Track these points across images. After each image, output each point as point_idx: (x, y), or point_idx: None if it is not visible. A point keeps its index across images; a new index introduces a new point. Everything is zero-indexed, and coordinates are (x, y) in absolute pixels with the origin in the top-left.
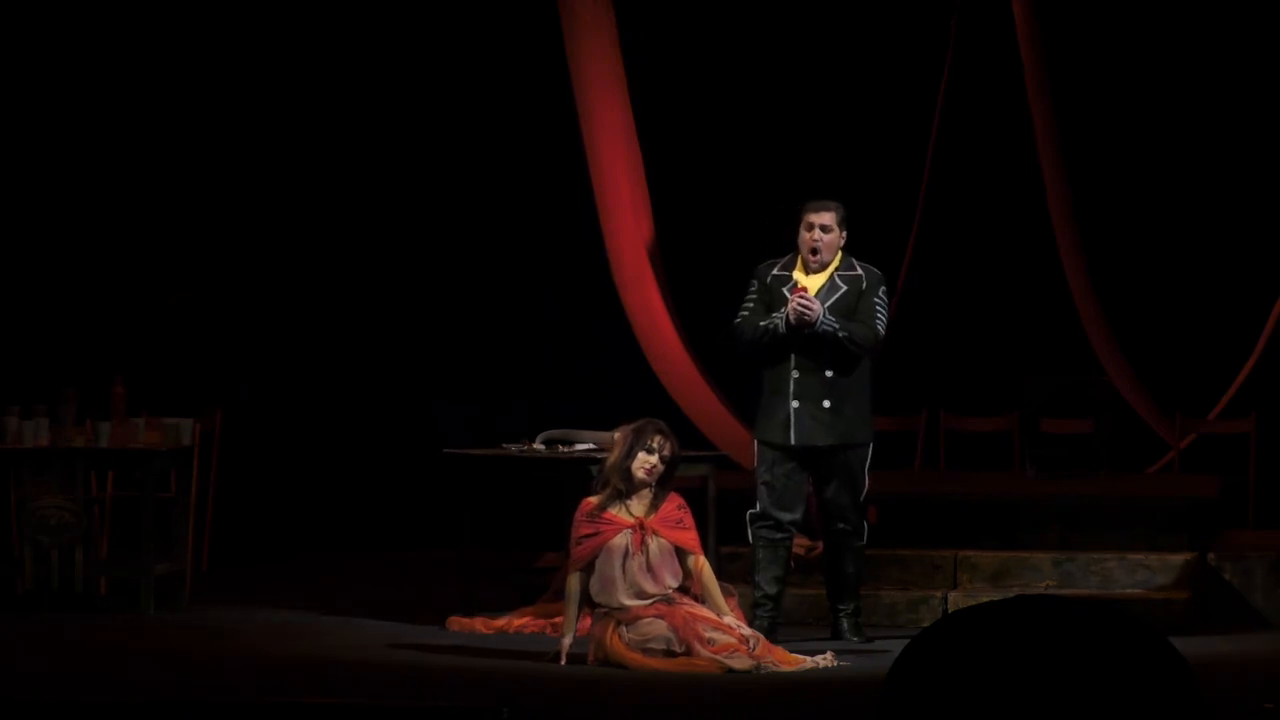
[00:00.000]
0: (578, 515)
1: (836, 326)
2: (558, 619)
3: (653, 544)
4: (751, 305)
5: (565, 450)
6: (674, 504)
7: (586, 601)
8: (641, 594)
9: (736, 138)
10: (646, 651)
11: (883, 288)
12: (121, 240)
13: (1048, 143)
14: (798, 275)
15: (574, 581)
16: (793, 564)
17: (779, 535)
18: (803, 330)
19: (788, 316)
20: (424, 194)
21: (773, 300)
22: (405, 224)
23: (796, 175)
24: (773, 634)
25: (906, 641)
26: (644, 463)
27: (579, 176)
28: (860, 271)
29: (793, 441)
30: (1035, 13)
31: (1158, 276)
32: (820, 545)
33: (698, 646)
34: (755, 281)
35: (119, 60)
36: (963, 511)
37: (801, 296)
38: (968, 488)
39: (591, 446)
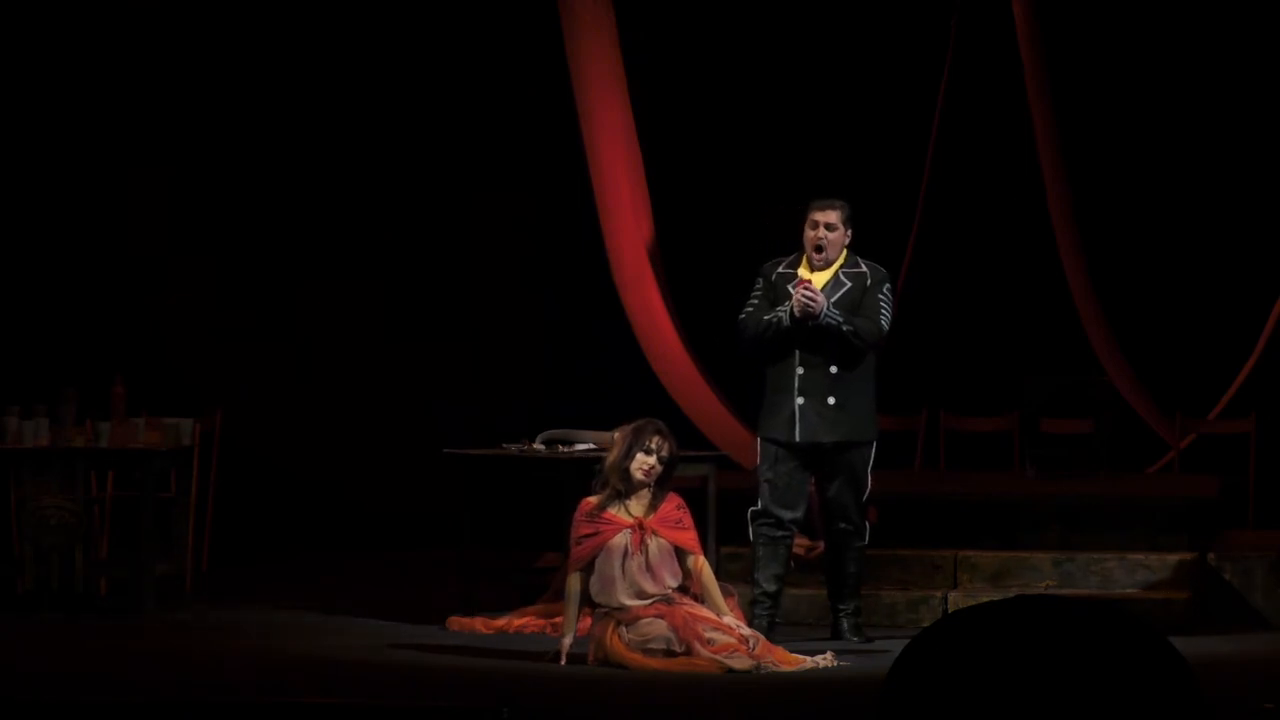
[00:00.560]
0: (577, 515)
1: (841, 319)
2: (558, 619)
3: (652, 544)
4: (756, 302)
5: (565, 450)
6: (673, 504)
7: (586, 601)
8: (641, 594)
9: (736, 138)
10: (646, 651)
11: (887, 284)
12: (121, 240)
13: (1048, 143)
14: (803, 272)
15: (574, 581)
16: (793, 564)
17: (780, 533)
18: (807, 322)
19: (792, 309)
20: (424, 194)
21: (777, 298)
22: (405, 224)
23: (796, 175)
24: (771, 632)
25: (906, 641)
26: (642, 463)
27: (579, 176)
28: (865, 269)
29: (797, 438)
30: (1035, 13)
31: (1158, 276)
32: (820, 545)
33: (698, 646)
34: (760, 280)
35: (119, 60)
36: (963, 511)
37: (806, 287)
38: (968, 488)
39: (591, 446)
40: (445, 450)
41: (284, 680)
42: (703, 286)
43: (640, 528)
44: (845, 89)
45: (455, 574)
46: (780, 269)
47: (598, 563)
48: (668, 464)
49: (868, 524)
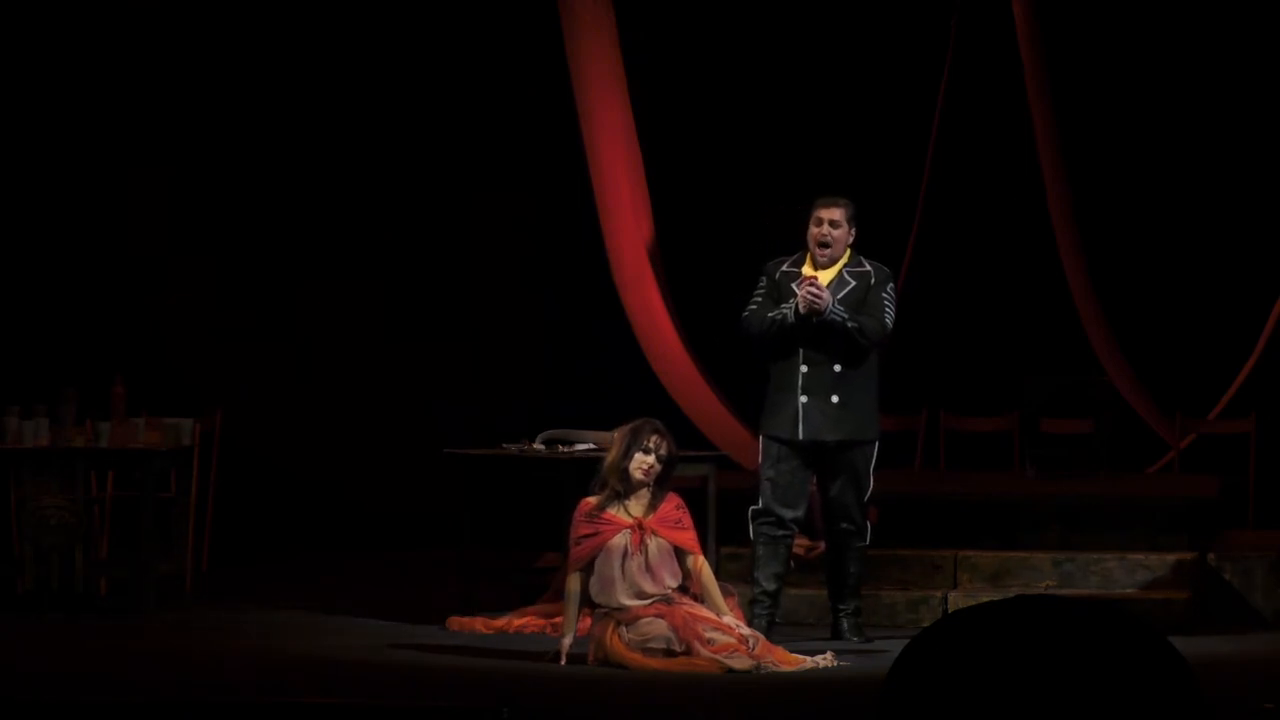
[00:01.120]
0: (577, 515)
1: (846, 316)
2: (558, 619)
3: (652, 544)
4: (760, 299)
5: (565, 450)
6: (672, 504)
7: (586, 602)
8: (641, 594)
9: (736, 138)
10: (646, 651)
11: (890, 283)
12: (121, 240)
13: (1048, 143)
14: (807, 270)
15: (573, 582)
16: (792, 564)
17: (780, 532)
18: (812, 319)
19: (797, 305)
20: (424, 194)
21: (781, 296)
22: (405, 224)
23: (796, 175)
24: (770, 632)
25: (906, 641)
26: (641, 463)
27: (579, 176)
28: (869, 268)
29: (800, 436)
30: (1035, 13)
31: (1158, 276)
32: (821, 545)
33: (698, 646)
34: (764, 278)
35: (119, 60)
36: (963, 511)
37: (812, 284)
38: (968, 488)
39: (591, 446)
40: (445, 450)
41: (284, 680)
42: (703, 286)
43: (640, 528)
44: (845, 89)
45: (455, 574)
46: (784, 267)
47: (597, 563)
48: (667, 463)
49: (869, 524)
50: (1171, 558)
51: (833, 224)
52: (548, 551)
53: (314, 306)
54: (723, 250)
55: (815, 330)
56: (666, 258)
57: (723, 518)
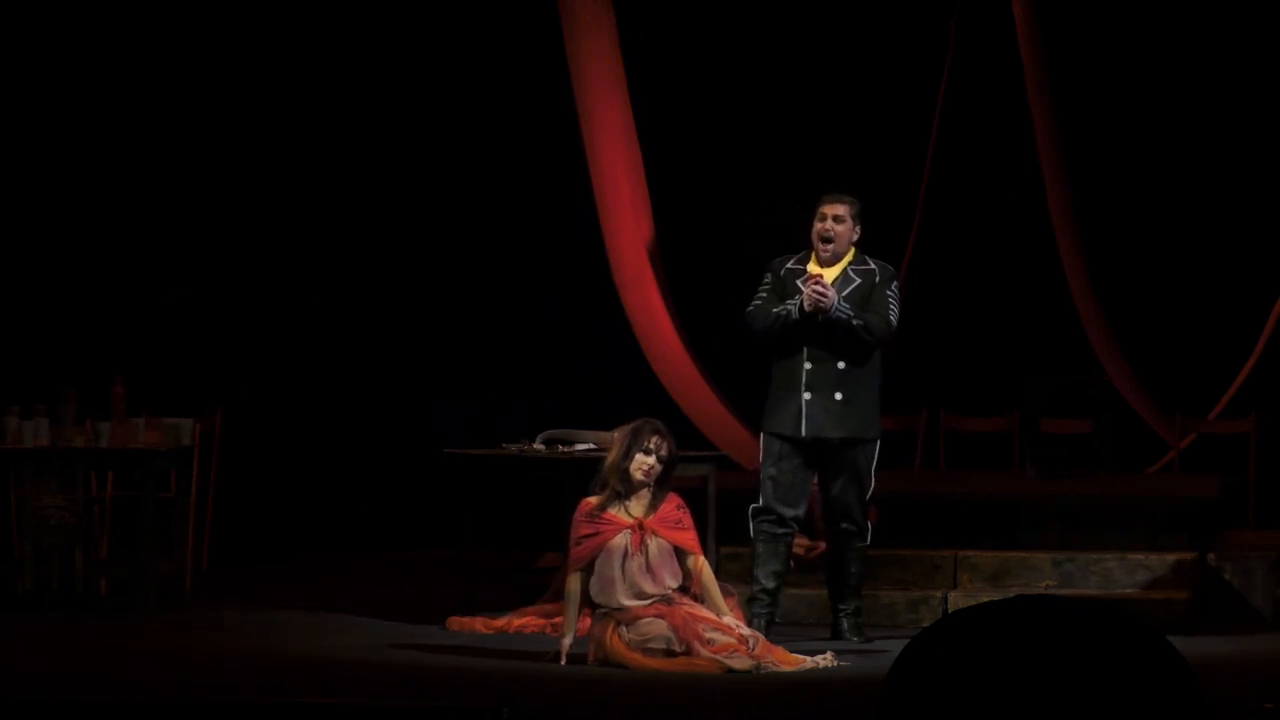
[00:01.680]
0: (577, 516)
1: (851, 314)
2: (558, 619)
3: (652, 544)
4: (765, 296)
5: (565, 450)
6: (673, 504)
7: (586, 602)
8: (641, 594)
9: (736, 138)
10: (646, 651)
11: (895, 281)
12: (121, 240)
13: (1048, 143)
14: (812, 268)
15: (574, 582)
16: (792, 563)
17: (780, 531)
18: (817, 316)
19: (801, 303)
20: (424, 194)
21: (786, 292)
22: (405, 224)
23: (796, 175)
24: (769, 631)
25: (906, 641)
26: (641, 464)
27: (579, 176)
28: (873, 265)
29: (804, 433)
30: (1035, 13)
31: (1158, 276)
32: (821, 545)
33: (698, 646)
34: (769, 275)
35: (119, 60)
36: (963, 511)
37: (818, 282)
38: (968, 488)
39: (591, 446)
40: (445, 450)
41: (284, 680)
42: (703, 286)
43: (640, 528)
44: (845, 89)
45: (455, 574)
46: (790, 264)
47: (597, 563)
48: (667, 463)
49: (869, 524)
50: (1171, 558)
51: (836, 219)
52: (548, 551)
53: (314, 306)
54: (723, 250)
55: (819, 327)
56: (666, 258)
57: (723, 518)
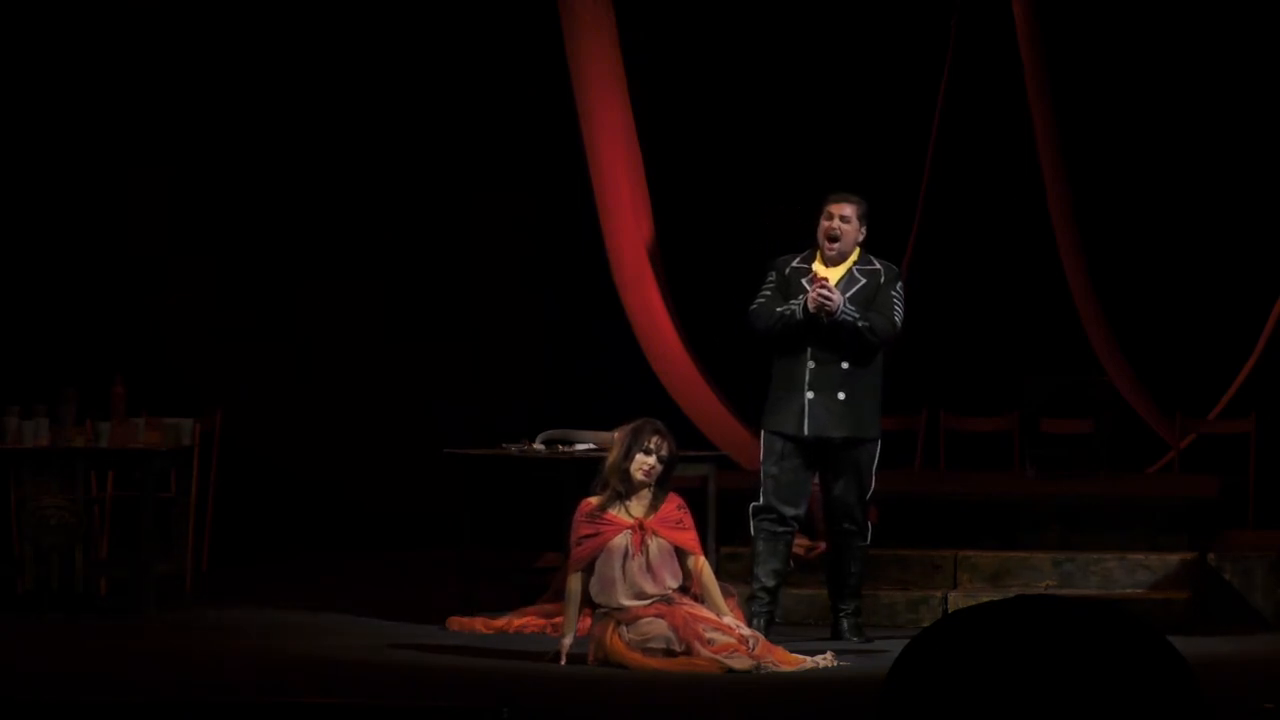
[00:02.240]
0: (577, 516)
1: (856, 316)
2: (558, 619)
3: (652, 545)
4: (768, 294)
5: (565, 450)
6: (673, 504)
7: (586, 602)
8: (641, 595)
9: (736, 138)
10: (646, 651)
11: (899, 282)
12: (121, 240)
13: (1048, 143)
14: (817, 267)
15: (574, 582)
16: (792, 563)
17: (781, 529)
18: (822, 318)
19: (806, 304)
20: (424, 194)
21: (790, 291)
22: (405, 224)
23: (796, 175)
24: (768, 630)
25: (906, 641)
26: (642, 464)
27: (579, 176)
28: (878, 266)
29: (806, 432)
30: (1035, 13)
31: (1158, 276)
32: (821, 545)
33: (698, 646)
34: (773, 273)
35: (119, 60)
36: (963, 511)
37: (823, 285)
38: (968, 488)
39: (591, 446)
40: (445, 450)
41: (284, 680)
42: (703, 286)
43: (640, 528)
44: (845, 89)
45: (455, 574)
46: (794, 263)
47: (598, 563)
48: (667, 463)
49: (869, 523)
50: (1171, 558)
51: (843, 219)
52: (548, 551)
53: (314, 306)
54: (723, 250)
55: (824, 328)
56: (666, 258)
57: (723, 518)
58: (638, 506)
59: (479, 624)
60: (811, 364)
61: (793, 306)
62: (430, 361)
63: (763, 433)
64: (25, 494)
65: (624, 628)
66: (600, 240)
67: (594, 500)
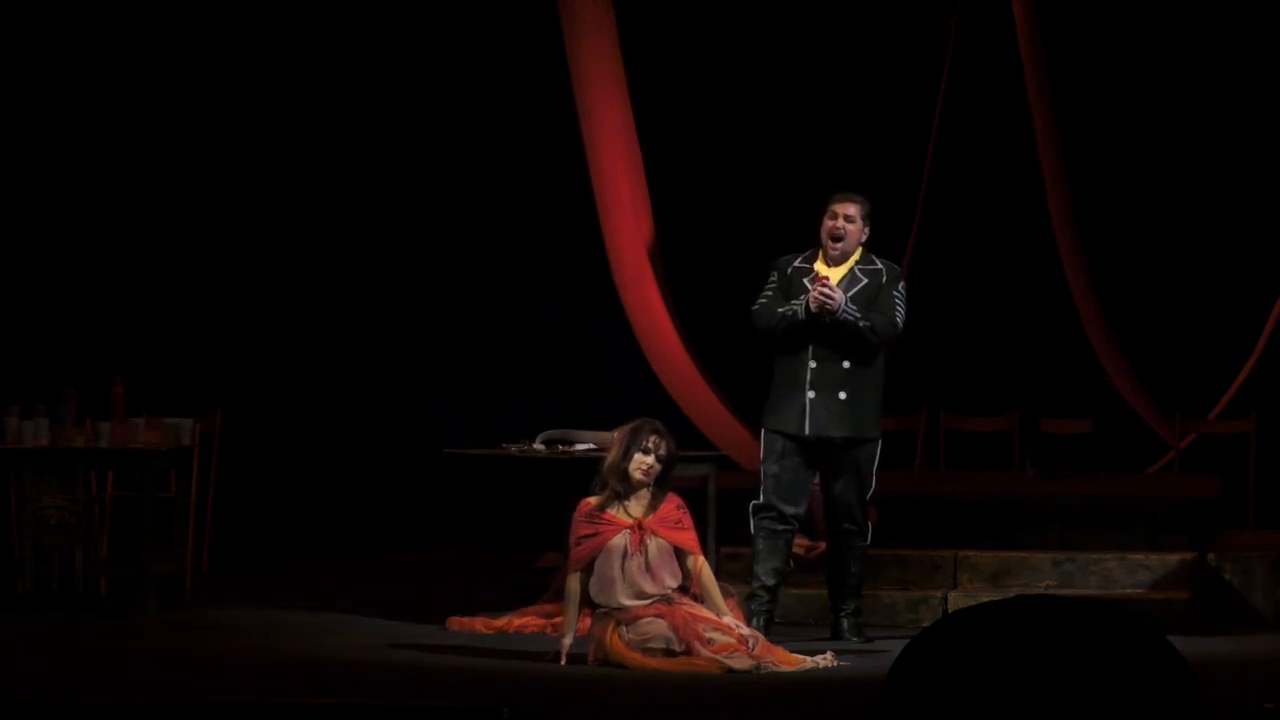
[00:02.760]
0: (576, 516)
1: (858, 316)
2: (558, 619)
3: (651, 544)
4: (770, 294)
5: (565, 450)
6: (673, 504)
7: (586, 602)
8: (640, 595)
9: (737, 138)
10: (646, 651)
11: (901, 282)
12: (121, 240)
13: (1048, 143)
14: (819, 267)
15: (573, 582)
16: (792, 563)
17: (781, 528)
18: (824, 318)
19: (808, 304)
20: (424, 194)
21: (792, 291)
22: (405, 224)
23: (796, 175)
24: (768, 629)
25: (906, 641)
26: (640, 463)
27: (579, 176)
28: (880, 266)
29: (807, 432)
30: (1035, 13)
31: (1158, 276)
32: (821, 545)
33: (698, 646)
34: (775, 273)
35: (119, 60)
36: (963, 511)
37: (825, 285)
38: (968, 488)
39: (591, 446)
40: (445, 450)
41: (284, 680)
42: (703, 286)
43: (640, 528)
44: (845, 89)
45: (455, 574)
46: (796, 263)
47: (597, 563)
48: (666, 463)
49: (869, 523)
50: (1171, 558)
51: (847, 218)
52: (548, 551)
53: (314, 306)
54: (723, 250)
55: (826, 327)
56: (666, 258)
57: (723, 518)
58: (637, 506)
59: (479, 624)
60: (813, 363)
61: (795, 306)
62: (430, 361)
63: (763, 431)
64: (25, 494)
65: (624, 628)
66: (600, 240)
67: (593, 500)
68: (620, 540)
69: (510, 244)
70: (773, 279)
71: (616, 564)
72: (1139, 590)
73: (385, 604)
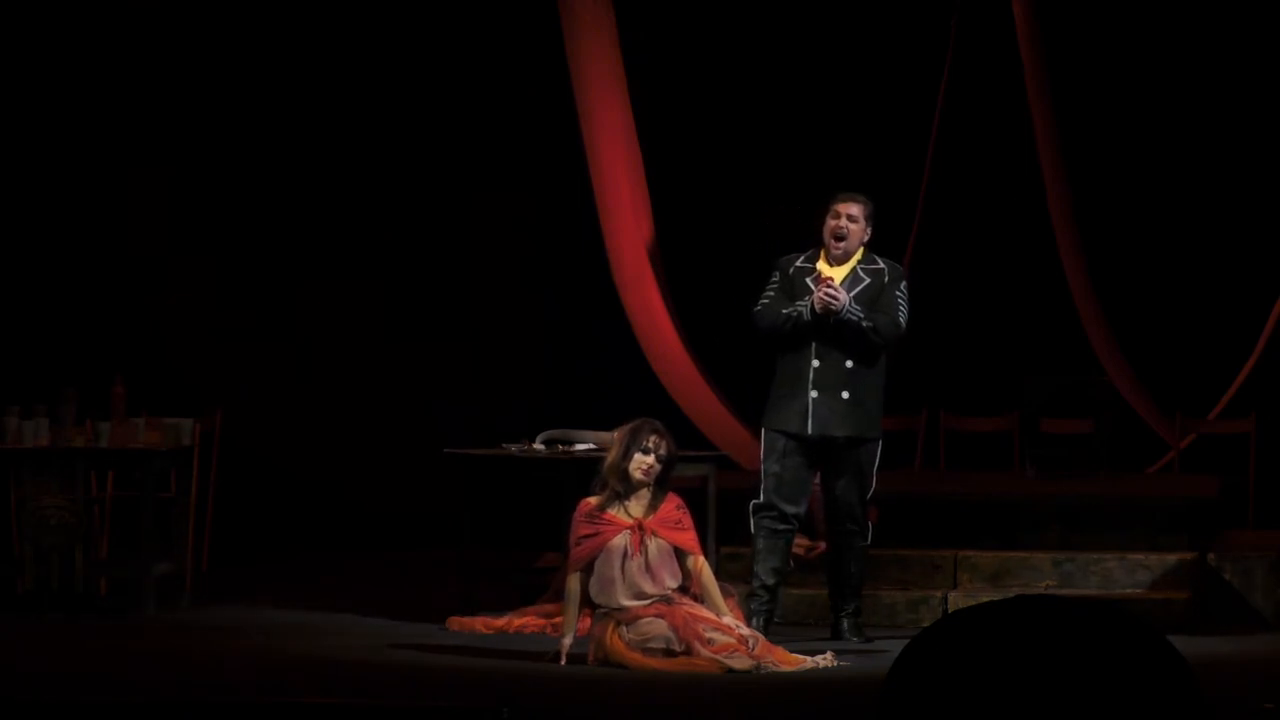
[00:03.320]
0: (576, 516)
1: (861, 315)
2: (558, 619)
3: (651, 545)
4: (773, 294)
5: (565, 450)
6: (673, 504)
7: (586, 602)
8: (640, 595)
9: (736, 138)
10: (646, 651)
11: (903, 282)
12: (121, 240)
13: (1048, 143)
14: (822, 267)
15: (573, 582)
16: (792, 563)
17: (781, 527)
18: (828, 318)
19: (812, 304)
20: (424, 194)
21: (795, 291)
22: (405, 224)
23: (797, 175)
24: (767, 628)
25: (906, 641)
26: (640, 463)
27: (579, 176)
28: (882, 265)
29: (809, 431)
30: (1035, 13)
31: (1158, 276)
32: (821, 545)
33: (698, 646)
34: (777, 273)
35: (119, 60)
36: (963, 511)
37: (829, 286)
38: (968, 488)
39: (591, 446)
40: (445, 450)
41: (284, 680)
42: (703, 286)
43: (640, 528)
44: (845, 89)
45: (455, 574)
46: (798, 263)
47: (597, 564)
48: (666, 463)
49: (869, 523)
50: (1171, 558)
51: (850, 218)
52: (548, 551)
53: (314, 306)
54: (723, 250)
55: (829, 327)
56: (666, 258)
57: (723, 518)
58: (637, 506)
59: (479, 624)
60: (816, 362)
61: (800, 308)
62: (430, 361)
63: (764, 430)
64: (25, 494)
65: (624, 628)
66: (600, 240)
67: (593, 500)
68: (620, 540)
69: (510, 244)
70: (774, 279)
71: (616, 564)
72: (1139, 590)
73: (385, 604)
